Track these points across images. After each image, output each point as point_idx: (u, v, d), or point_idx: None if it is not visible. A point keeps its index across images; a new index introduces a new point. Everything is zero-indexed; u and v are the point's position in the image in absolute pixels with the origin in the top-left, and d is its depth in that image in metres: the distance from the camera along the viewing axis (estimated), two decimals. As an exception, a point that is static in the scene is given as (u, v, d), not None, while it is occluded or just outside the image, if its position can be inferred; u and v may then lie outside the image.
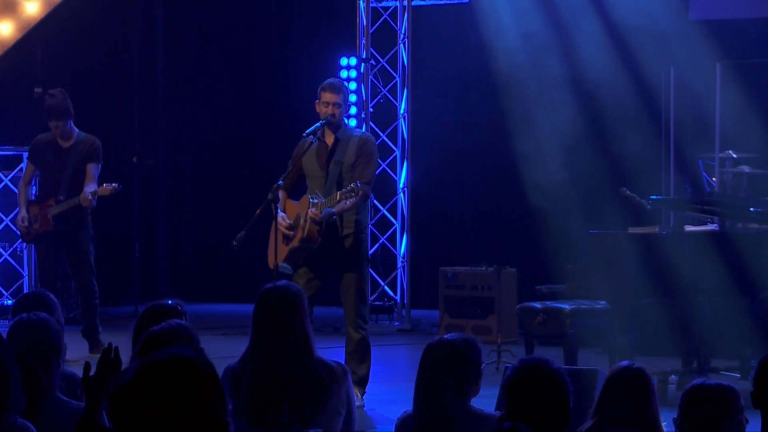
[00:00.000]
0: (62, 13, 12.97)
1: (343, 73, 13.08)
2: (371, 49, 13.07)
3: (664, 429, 4.62)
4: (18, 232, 11.05)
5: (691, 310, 8.38)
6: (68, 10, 13.06)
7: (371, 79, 13.12)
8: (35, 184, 11.01)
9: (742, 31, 11.89)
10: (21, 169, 12.29)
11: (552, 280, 11.23)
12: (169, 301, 5.00)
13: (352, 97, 12.76)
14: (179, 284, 15.39)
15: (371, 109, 13.02)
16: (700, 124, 11.55)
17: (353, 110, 12.87)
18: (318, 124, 8.15)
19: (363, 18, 12.99)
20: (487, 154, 13.57)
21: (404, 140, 13.05)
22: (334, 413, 4.84)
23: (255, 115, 15.18)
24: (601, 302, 8.97)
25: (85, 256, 10.21)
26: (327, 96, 8.18)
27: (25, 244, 11.94)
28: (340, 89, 8.26)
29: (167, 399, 2.43)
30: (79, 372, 4.38)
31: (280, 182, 7.95)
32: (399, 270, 13.05)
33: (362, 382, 8.08)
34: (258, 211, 7.80)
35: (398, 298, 13.08)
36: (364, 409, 8.02)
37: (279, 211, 8.05)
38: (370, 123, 12.89)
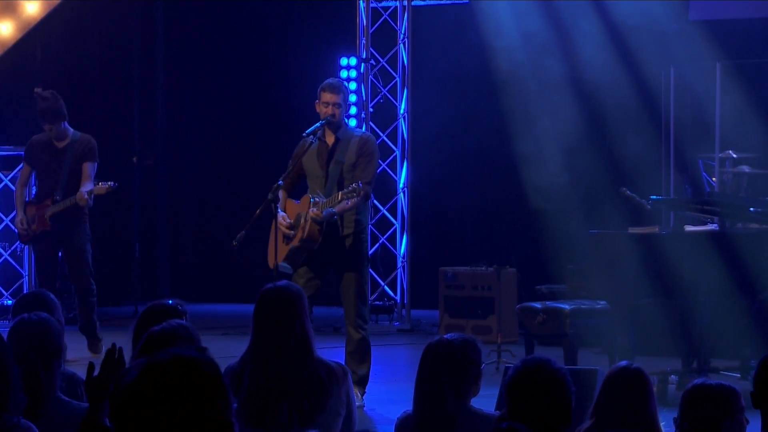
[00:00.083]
0: (62, 13, 12.96)
1: (343, 73, 13.07)
2: (371, 49, 13.07)
3: (664, 429, 4.62)
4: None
5: (691, 310, 8.38)
6: (68, 10, 13.06)
7: (371, 79, 13.11)
8: (33, 185, 10.99)
9: (742, 31, 11.88)
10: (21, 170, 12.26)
11: (552, 280, 11.23)
12: (170, 301, 5.00)
13: (352, 97, 12.75)
14: (179, 284, 15.38)
15: (371, 109, 13.02)
16: (700, 124, 11.55)
17: (353, 110, 12.86)
18: (318, 124, 8.14)
19: (363, 18, 12.99)
20: (487, 153, 13.56)
21: (404, 140, 13.04)
22: (334, 414, 4.84)
23: (255, 115, 15.17)
24: (601, 302, 8.97)
25: (83, 256, 10.19)
26: (327, 96, 8.17)
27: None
28: (340, 89, 8.25)
29: (172, 399, 2.42)
30: (79, 372, 4.38)
31: (280, 182, 7.95)
32: (399, 270, 13.04)
33: (362, 382, 8.08)
34: (258, 211, 7.79)
35: (398, 298, 13.07)
36: (364, 409, 8.02)
37: (279, 210, 8.05)
38: (370, 123, 12.89)
